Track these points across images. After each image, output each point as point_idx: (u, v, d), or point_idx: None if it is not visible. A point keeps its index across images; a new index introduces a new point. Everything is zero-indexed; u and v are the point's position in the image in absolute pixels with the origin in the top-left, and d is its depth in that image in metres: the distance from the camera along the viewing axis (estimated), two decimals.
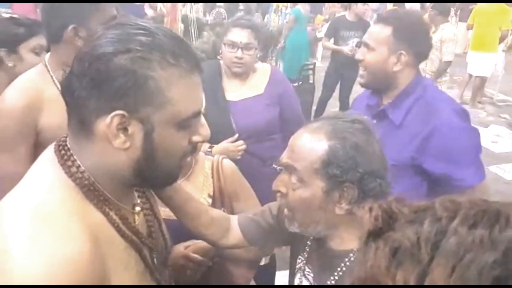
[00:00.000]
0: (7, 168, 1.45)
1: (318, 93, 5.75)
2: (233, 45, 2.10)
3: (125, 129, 0.73)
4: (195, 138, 0.81)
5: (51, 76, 1.51)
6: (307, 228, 1.04)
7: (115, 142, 0.73)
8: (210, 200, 1.47)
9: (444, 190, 1.60)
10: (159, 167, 0.78)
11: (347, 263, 1.01)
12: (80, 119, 0.74)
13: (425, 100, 1.65)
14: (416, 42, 1.66)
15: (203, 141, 0.84)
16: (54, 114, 1.45)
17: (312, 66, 6.07)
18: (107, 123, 0.71)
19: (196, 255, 1.36)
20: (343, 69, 5.33)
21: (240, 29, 2.12)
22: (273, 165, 2.10)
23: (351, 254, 1.01)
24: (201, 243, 1.38)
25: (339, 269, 1.02)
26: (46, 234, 0.67)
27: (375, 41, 1.66)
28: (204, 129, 0.82)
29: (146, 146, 0.75)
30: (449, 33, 4.83)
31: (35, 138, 1.48)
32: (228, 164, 1.53)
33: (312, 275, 1.10)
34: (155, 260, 0.91)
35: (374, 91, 1.78)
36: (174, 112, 0.74)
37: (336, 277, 1.02)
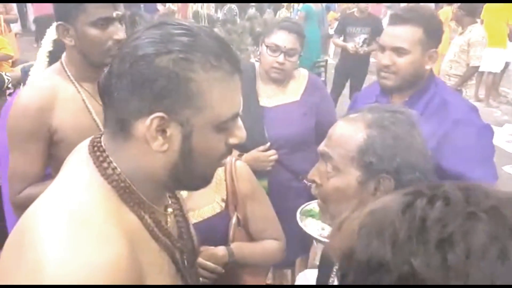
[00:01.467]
0: (18, 165, 1.47)
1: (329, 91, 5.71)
2: (277, 49, 1.96)
3: (163, 131, 0.72)
4: (232, 140, 0.80)
5: (68, 75, 1.51)
6: None
7: (153, 144, 0.72)
8: (223, 205, 1.45)
9: None
10: (195, 170, 0.77)
11: None
12: (119, 120, 0.73)
13: (440, 97, 1.63)
14: (440, 38, 1.65)
15: (239, 143, 0.82)
16: (68, 114, 1.46)
17: (324, 63, 6.03)
18: (146, 125, 0.70)
19: (208, 263, 1.35)
20: (350, 66, 5.29)
21: (287, 33, 1.97)
22: (304, 181, 2.03)
23: None
24: (213, 249, 1.38)
25: None
26: (83, 239, 0.66)
27: (410, 43, 1.60)
28: (241, 131, 0.81)
29: (184, 148, 0.74)
30: (478, 36, 4.53)
31: (49, 138, 1.48)
32: (241, 165, 1.50)
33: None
34: (185, 262, 0.90)
35: (396, 91, 1.73)
36: (213, 114, 0.73)
37: None
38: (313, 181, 1.04)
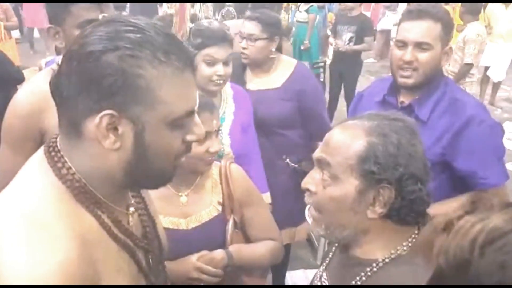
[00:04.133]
0: (9, 162, 1.47)
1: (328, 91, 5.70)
2: (241, 36, 2.17)
3: (115, 129, 0.71)
4: (189, 138, 0.79)
5: None
6: (334, 231, 0.96)
7: (105, 143, 0.71)
8: (220, 208, 1.45)
9: (466, 188, 1.57)
10: (151, 168, 0.76)
11: (368, 273, 0.93)
12: (70, 119, 0.73)
13: (451, 95, 1.60)
14: (452, 36, 1.63)
15: (197, 140, 0.82)
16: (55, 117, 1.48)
17: (322, 64, 6.01)
18: (96, 123, 0.70)
19: (209, 267, 1.35)
20: (341, 65, 5.27)
21: (248, 21, 2.19)
22: (287, 160, 2.24)
23: (374, 264, 0.93)
24: (212, 254, 1.38)
25: (358, 278, 0.94)
26: (33, 242, 0.67)
27: (432, 38, 1.56)
28: (198, 128, 0.80)
29: (137, 146, 0.73)
30: (472, 33, 4.57)
31: (39, 140, 1.50)
32: (236, 168, 1.51)
33: (327, 282, 1.05)
34: (150, 261, 0.89)
35: (413, 89, 1.65)
36: (165, 111, 0.72)
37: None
38: (307, 190, 0.98)
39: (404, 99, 1.67)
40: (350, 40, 5.25)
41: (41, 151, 0.79)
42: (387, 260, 0.92)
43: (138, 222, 0.90)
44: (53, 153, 0.76)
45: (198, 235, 1.40)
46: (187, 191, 1.42)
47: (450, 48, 1.61)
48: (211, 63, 1.79)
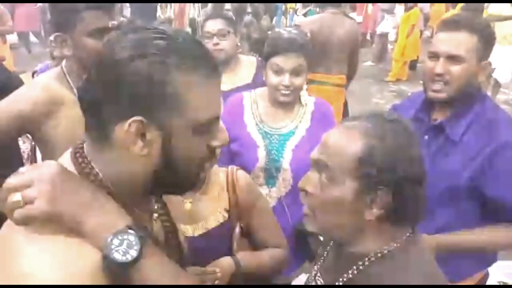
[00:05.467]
0: None
1: None
2: (209, 35, 2.36)
3: (143, 135, 0.71)
4: (214, 143, 0.79)
5: (68, 81, 1.53)
6: (329, 231, 0.98)
7: (133, 149, 0.71)
8: (226, 215, 1.43)
9: (494, 217, 1.50)
10: (177, 173, 0.76)
11: (360, 267, 0.94)
12: (98, 125, 0.73)
13: (486, 115, 1.52)
14: (491, 49, 1.54)
15: (221, 146, 0.82)
16: (67, 120, 1.47)
17: None
18: (125, 129, 0.70)
19: (212, 268, 1.33)
20: None
21: (213, 20, 2.39)
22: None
23: (366, 259, 0.94)
24: (218, 263, 1.36)
25: (350, 271, 0.95)
26: (61, 248, 0.68)
27: (465, 51, 1.48)
28: (222, 134, 0.81)
29: (164, 152, 0.73)
30: None
31: (18, 134, 1.54)
32: (242, 175, 1.49)
33: (321, 280, 1.05)
34: None
35: (445, 105, 1.58)
36: (192, 117, 0.73)
37: (345, 279, 0.95)
38: (304, 191, 0.98)
39: (438, 116, 1.59)
40: None
41: (66, 156, 0.79)
42: (379, 254, 0.93)
43: (160, 228, 0.91)
44: (80, 159, 0.76)
45: (204, 242, 1.38)
46: (192, 197, 1.40)
47: (489, 63, 1.52)
48: (278, 72, 1.76)
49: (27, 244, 0.68)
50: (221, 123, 0.80)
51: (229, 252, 1.42)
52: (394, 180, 0.88)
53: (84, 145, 0.78)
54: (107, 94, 0.70)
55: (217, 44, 2.33)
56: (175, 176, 0.77)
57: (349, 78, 3.67)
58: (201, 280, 1.31)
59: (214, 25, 2.35)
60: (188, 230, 1.38)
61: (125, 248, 0.69)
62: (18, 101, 1.48)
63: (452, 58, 1.49)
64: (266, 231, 1.50)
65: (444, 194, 1.53)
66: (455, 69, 1.49)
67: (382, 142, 0.89)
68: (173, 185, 0.79)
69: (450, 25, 1.52)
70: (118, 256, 0.68)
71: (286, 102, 1.82)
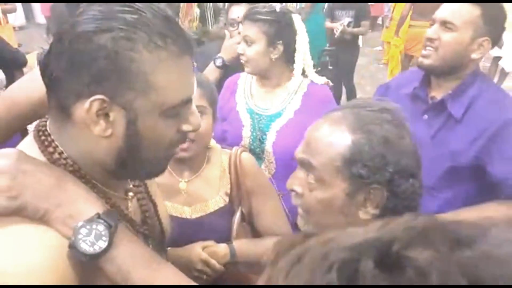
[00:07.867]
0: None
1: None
2: (235, 22, 2.16)
3: (106, 115, 0.67)
4: (185, 127, 0.75)
5: None
6: (324, 230, 0.92)
7: (95, 129, 0.67)
8: (227, 199, 1.39)
9: (495, 196, 1.47)
10: (143, 158, 0.73)
11: None
12: (59, 102, 0.69)
13: (488, 94, 1.49)
14: (499, 29, 1.50)
15: (193, 131, 0.77)
16: None
17: (329, 52, 5.90)
18: (86, 108, 0.65)
19: (215, 262, 1.31)
20: (338, 51, 5.17)
21: (238, 6, 2.19)
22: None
23: None
24: (215, 248, 1.33)
25: None
26: (18, 238, 0.65)
27: (460, 20, 1.45)
28: (195, 118, 0.76)
29: (129, 134, 0.69)
30: None
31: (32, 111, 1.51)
32: (247, 157, 1.43)
33: None
34: (150, 246, 0.86)
35: (434, 75, 1.57)
36: (159, 99, 0.68)
37: None
38: (293, 191, 0.92)
39: (435, 93, 1.56)
40: (348, 25, 5.18)
41: (29, 137, 0.75)
42: None
43: (137, 207, 0.87)
44: (43, 137, 0.72)
45: (202, 225, 1.35)
46: (190, 178, 1.37)
47: (487, 40, 1.46)
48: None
49: None
50: (193, 106, 0.76)
51: (228, 238, 1.38)
52: (386, 177, 0.82)
53: (47, 122, 0.74)
54: (67, 69, 0.65)
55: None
56: (141, 160, 0.73)
57: None
58: (188, 265, 1.29)
59: (240, 12, 2.08)
60: (185, 211, 1.36)
61: (92, 239, 0.65)
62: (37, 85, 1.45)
63: (445, 25, 1.48)
64: (268, 217, 1.43)
65: (446, 174, 1.50)
66: (446, 36, 1.48)
67: (369, 137, 0.83)
68: (139, 169, 0.75)
69: None
70: (85, 246, 0.65)
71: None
